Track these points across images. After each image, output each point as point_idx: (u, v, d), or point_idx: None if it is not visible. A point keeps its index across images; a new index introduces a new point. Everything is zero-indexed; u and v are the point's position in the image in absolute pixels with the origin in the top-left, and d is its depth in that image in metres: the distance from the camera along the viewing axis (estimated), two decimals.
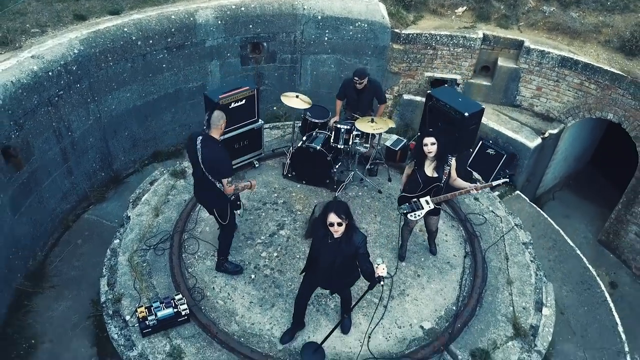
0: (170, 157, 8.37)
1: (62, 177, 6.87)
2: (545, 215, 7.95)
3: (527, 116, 8.77)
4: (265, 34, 8.37)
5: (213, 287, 5.60)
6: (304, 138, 6.95)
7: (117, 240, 6.05)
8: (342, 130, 6.70)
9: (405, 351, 5.15)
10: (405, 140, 7.66)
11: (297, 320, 5.10)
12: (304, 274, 4.73)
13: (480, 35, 8.56)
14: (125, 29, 7.15)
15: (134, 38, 7.18)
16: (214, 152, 4.86)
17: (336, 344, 5.11)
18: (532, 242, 6.55)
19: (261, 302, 5.49)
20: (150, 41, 7.38)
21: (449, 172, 5.12)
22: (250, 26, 8.15)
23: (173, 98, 8.15)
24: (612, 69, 7.73)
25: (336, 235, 4.07)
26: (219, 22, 7.89)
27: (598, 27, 8.55)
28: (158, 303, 5.17)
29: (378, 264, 4.14)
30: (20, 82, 5.78)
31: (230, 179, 4.93)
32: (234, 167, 6.21)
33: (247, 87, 6.48)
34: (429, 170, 5.14)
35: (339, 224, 4.01)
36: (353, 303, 4.87)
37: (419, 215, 5.40)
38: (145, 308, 5.12)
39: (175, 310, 5.13)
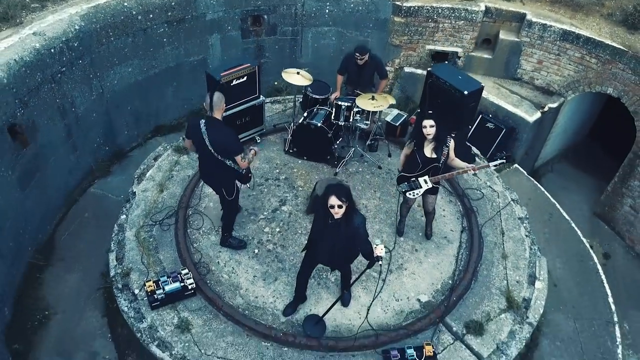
0: (173, 131, 8.45)
1: (68, 153, 6.97)
2: (543, 189, 8.08)
3: (528, 90, 8.77)
4: (266, 7, 8.30)
5: (218, 262, 5.79)
6: (305, 114, 7.00)
7: (124, 216, 6.20)
8: (343, 107, 6.75)
9: (403, 323, 5.37)
10: (405, 115, 7.70)
11: (299, 294, 5.31)
12: (305, 251, 4.90)
13: (483, 8, 8.47)
14: (126, 3, 7.09)
15: (134, 12, 7.14)
16: (222, 133, 4.94)
17: (336, 316, 5.33)
18: (527, 217, 6.69)
19: (264, 276, 5.69)
20: (151, 15, 7.34)
21: (447, 153, 5.25)
22: None
23: (174, 72, 8.15)
24: (613, 44, 7.70)
25: (336, 217, 4.20)
26: None
27: None
28: (165, 277, 5.37)
29: (376, 245, 4.31)
30: (23, 60, 5.79)
31: (242, 155, 5.03)
32: None
33: (249, 64, 6.51)
34: (428, 151, 5.26)
35: (340, 207, 4.12)
36: (353, 279, 5.07)
37: (417, 194, 5.56)
38: (154, 282, 5.33)
39: (182, 284, 5.33)
